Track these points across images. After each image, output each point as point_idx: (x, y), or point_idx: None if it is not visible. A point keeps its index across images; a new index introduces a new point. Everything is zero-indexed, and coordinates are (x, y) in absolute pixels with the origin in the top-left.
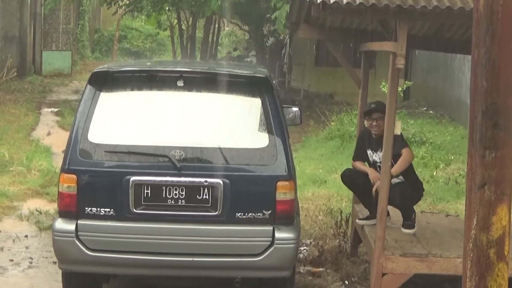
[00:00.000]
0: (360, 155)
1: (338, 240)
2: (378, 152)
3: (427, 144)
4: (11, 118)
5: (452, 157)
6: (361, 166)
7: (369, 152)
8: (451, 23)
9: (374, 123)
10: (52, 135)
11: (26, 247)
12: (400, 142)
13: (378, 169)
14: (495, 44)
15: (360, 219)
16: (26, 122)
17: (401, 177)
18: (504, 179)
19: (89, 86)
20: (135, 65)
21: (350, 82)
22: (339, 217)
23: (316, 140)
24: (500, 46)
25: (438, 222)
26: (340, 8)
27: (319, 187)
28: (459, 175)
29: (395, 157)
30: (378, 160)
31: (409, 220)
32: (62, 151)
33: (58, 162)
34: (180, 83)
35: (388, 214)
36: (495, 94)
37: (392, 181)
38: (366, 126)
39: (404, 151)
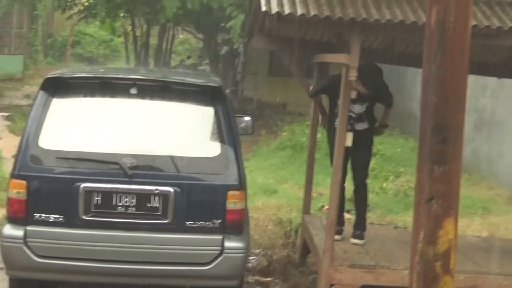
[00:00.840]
0: (323, 90)
1: (287, 250)
2: (357, 105)
3: (377, 156)
4: None
5: (402, 169)
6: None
7: (338, 101)
8: (404, 37)
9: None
10: (2, 140)
11: None
12: (389, 97)
13: (354, 115)
14: (446, 60)
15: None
16: None
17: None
18: (452, 194)
19: (41, 92)
20: (89, 72)
21: (303, 92)
22: (289, 227)
23: (268, 150)
24: (451, 62)
25: (387, 234)
26: (294, 20)
27: (270, 197)
28: (409, 188)
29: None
30: (358, 111)
31: (360, 228)
32: (12, 156)
33: (7, 167)
34: (133, 91)
35: (342, 224)
36: (444, 110)
37: (359, 126)
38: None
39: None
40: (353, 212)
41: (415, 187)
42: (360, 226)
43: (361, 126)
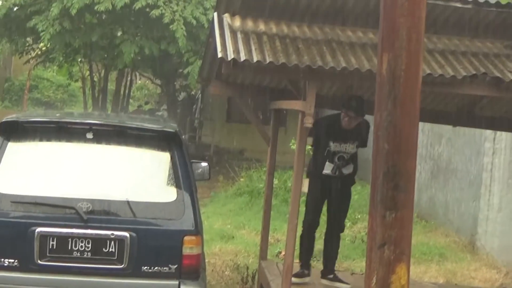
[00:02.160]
0: (319, 144)
1: None
2: (345, 144)
3: None
4: None
5: (359, 216)
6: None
7: (331, 142)
8: (359, 84)
9: (352, 119)
10: None
11: None
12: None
13: (337, 159)
14: (397, 107)
15: (295, 275)
16: None
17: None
18: (403, 239)
19: None
20: (45, 116)
21: (260, 139)
22: (246, 273)
23: (225, 196)
24: (402, 109)
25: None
26: (251, 66)
27: (227, 242)
28: (365, 234)
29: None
30: (343, 150)
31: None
32: None
33: None
34: (89, 135)
35: (308, 268)
36: (396, 156)
37: (346, 169)
38: (341, 116)
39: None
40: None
41: (367, 233)
42: (333, 268)
43: (347, 169)
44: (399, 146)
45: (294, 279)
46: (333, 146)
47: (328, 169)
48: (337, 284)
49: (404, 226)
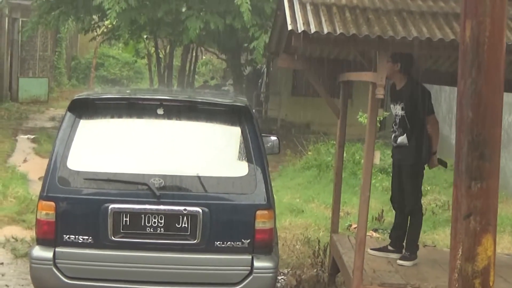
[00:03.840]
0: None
1: (315, 270)
2: (397, 105)
3: None
4: None
5: (429, 188)
6: None
7: (391, 105)
8: (431, 54)
9: (392, 70)
10: (28, 162)
11: (2, 275)
12: (426, 102)
13: (393, 124)
14: (481, 75)
15: (372, 249)
16: (2, 149)
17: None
18: (489, 210)
19: (68, 113)
20: (115, 93)
21: (326, 112)
22: (317, 247)
23: (293, 169)
24: (486, 77)
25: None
26: (321, 38)
27: (296, 216)
28: (436, 206)
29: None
30: (398, 113)
31: (408, 250)
32: (39, 178)
33: (34, 189)
34: (160, 111)
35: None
36: (481, 125)
37: (399, 140)
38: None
39: (431, 120)
40: (381, 231)
41: (452, 204)
42: (408, 248)
43: (401, 139)
44: (484, 114)
45: (370, 251)
46: (392, 108)
47: (392, 137)
48: (403, 262)
49: (490, 196)
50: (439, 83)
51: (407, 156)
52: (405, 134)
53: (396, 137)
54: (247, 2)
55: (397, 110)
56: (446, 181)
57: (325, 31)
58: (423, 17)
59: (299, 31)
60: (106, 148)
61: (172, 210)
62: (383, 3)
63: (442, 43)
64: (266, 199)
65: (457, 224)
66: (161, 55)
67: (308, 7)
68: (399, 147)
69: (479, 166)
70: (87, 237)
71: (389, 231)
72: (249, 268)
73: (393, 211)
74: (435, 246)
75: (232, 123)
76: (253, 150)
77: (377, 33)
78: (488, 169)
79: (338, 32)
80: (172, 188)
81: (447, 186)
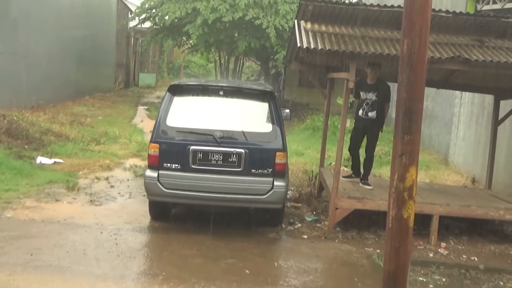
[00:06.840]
0: (357, 93)
1: (310, 188)
2: (368, 93)
3: None
4: (120, 111)
5: (378, 143)
6: None
7: (362, 92)
8: (383, 62)
9: (369, 73)
10: (143, 122)
11: (128, 186)
12: (388, 94)
13: (365, 104)
14: (412, 72)
15: (343, 176)
16: (128, 114)
17: (375, 112)
18: (414, 152)
19: (167, 93)
20: (195, 82)
21: (319, 96)
22: (311, 175)
23: (298, 130)
24: (415, 73)
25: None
26: (317, 52)
27: (299, 157)
28: (382, 153)
29: (380, 98)
30: (367, 98)
31: (366, 178)
32: (150, 131)
33: (147, 137)
34: (221, 93)
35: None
36: (410, 102)
37: (371, 114)
38: (367, 73)
39: (387, 106)
40: (348, 167)
41: (392, 149)
42: (366, 177)
43: (372, 114)
44: (413, 95)
45: (342, 178)
46: (362, 94)
47: (360, 111)
48: (365, 186)
49: (415, 144)
50: (390, 80)
51: (374, 124)
52: (374, 111)
53: (367, 112)
54: (273, 31)
55: (370, 96)
56: (388, 139)
57: (319, 47)
58: (377, 41)
59: (304, 47)
60: (189, 113)
61: (227, 150)
62: (354, 32)
63: (389, 56)
64: (282, 146)
65: (395, 160)
66: (222, 62)
67: (310, 33)
68: (368, 119)
69: (409, 126)
70: (177, 165)
71: (351, 167)
72: (271, 185)
73: (351, 156)
74: (380, 176)
75: (263, 100)
76: (275, 117)
77: (350, 49)
78: (414, 128)
79: (327, 48)
80: (227, 138)
81: (389, 142)
